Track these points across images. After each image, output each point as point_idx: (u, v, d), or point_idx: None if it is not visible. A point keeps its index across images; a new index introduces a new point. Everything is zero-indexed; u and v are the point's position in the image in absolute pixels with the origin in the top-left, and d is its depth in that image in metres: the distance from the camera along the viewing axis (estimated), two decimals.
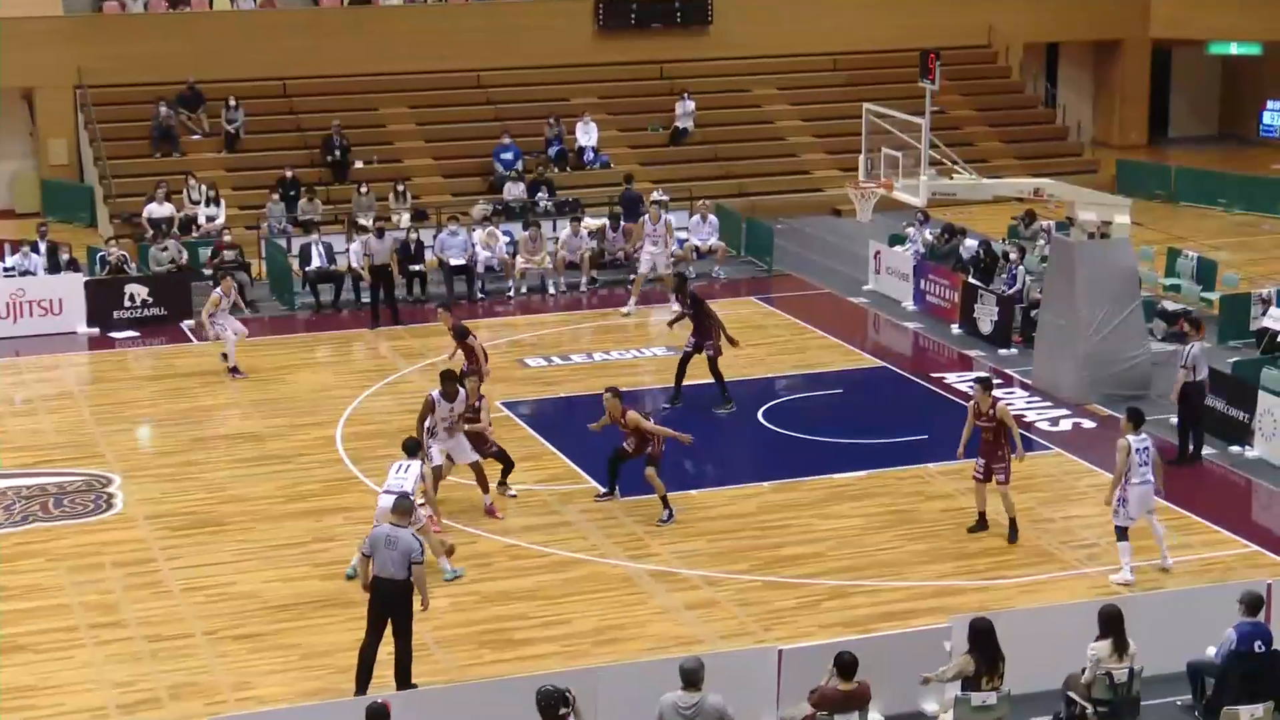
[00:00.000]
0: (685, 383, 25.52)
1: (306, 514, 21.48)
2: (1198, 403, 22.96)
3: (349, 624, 18.15)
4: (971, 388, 21.12)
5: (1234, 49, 45.73)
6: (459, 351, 24.21)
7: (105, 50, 37.92)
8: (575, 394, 26.27)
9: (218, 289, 27.59)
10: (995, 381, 22.14)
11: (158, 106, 37.70)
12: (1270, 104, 42.48)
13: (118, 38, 38.54)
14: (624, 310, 31.01)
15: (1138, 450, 18.98)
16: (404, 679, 16.61)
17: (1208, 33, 45.22)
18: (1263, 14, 43.75)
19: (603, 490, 21.97)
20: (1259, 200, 39.57)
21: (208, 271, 31.88)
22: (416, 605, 16.53)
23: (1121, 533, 19.18)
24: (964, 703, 14.97)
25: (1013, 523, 20.33)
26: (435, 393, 21.08)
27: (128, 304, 30.40)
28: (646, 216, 32.02)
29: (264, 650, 17.76)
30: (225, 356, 27.44)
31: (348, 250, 31.90)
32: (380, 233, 30.64)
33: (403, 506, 16.93)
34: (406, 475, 18.99)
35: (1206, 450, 23.45)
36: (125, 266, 31.34)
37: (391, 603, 16.48)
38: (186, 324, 30.28)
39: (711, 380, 25.30)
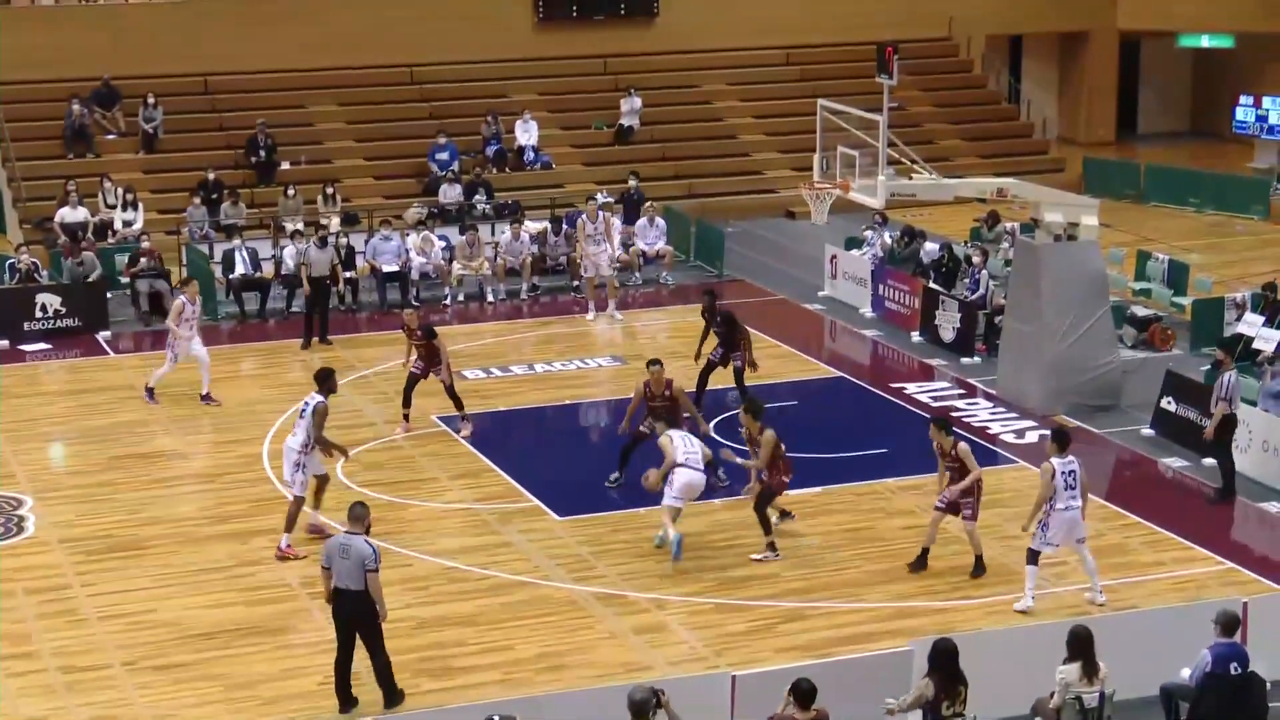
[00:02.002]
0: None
1: (231, 536, 21.39)
2: (1228, 436, 22.45)
3: (276, 653, 18.13)
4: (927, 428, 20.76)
5: (1205, 41, 46.09)
6: (415, 354, 24.26)
7: (14, 43, 37.58)
8: (516, 407, 26.26)
9: (182, 295, 26.55)
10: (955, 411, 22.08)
11: (70, 104, 37.51)
12: (1243, 99, 42.79)
13: (27, 30, 38.30)
14: (589, 317, 31.02)
15: (1063, 474, 18.80)
16: (389, 691, 16.81)
17: (1178, 24, 45.57)
18: (1235, 4, 44.10)
19: (614, 475, 22.78)
20: (1232, 200, 39.89)
21: (125, 280, 31.75)
22: None
23: (1032, 556, 19.02)
24: None
25: (979, 559, 20.12)
26: (322, 397, 20.91)
27: (39, 314, 30.21)
28: (584, 215, 32.00)
29: (187, 681, 17.66)
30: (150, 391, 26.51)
31: (274, 256, 31.81)
32: (323, 241, 30.20)
33: (356, 514, 16.96)
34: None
35: (1179, 463, 23.64)
36: (36, 275, 31.15)
37: (354, 614, 16.63)
38: (103, 335, 30.14)
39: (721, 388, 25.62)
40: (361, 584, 16.49)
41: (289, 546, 20.71)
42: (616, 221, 33.43)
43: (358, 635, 16.68)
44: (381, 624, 16.74)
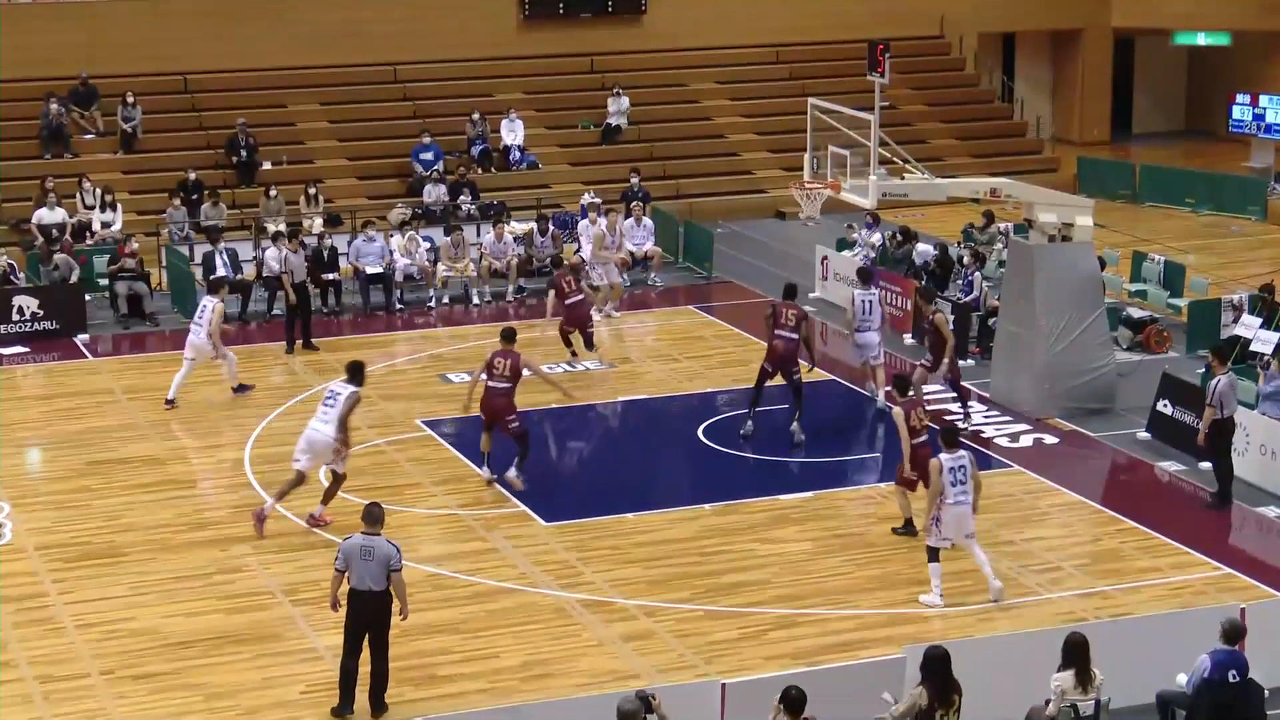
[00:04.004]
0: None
1: (210, 543, 21.33)
2: (1226, 441, 22.48)
3: (256, 661, 18.09)
4: (888, 405, 21.33)
5: (1201, 39, 46.13)
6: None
7: None
8: None
9: (216, 298, 26.80)
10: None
11: (47, 103, 37.43)
12: (1239, 98, 42.84)
13: (3, 28, 38.19)
14: (613, 313, 31.28)
15: (951, 469, 19.14)
16: (379, 701, 16.90)
17: (1173, 21, 45.61)
18: (1230, 2, 44.17)
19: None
20: (1228, 200, 39.95)
21: (104, 282, 31.69)
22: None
23: (933, 554, 19.36)
24: None
25: (908, 522, 21.18)
26: (353, 387, 21.43)
27: (16, 317, 30.11)
28: (605, 225, 32.12)
29: (165, 691, 17.61)
30: (240, 387, 26.90)
31: (256, 258, 31.75)
32: (304, 246, 30.31)
33: (374, 515, 16.99)
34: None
35: (1175, 466, 23.64)
36: (13, 277, 31.07)
37: (372, 616, 16.76)
38: (81, 338, 30.07)
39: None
40: (383, 584, 16.66)
41: (322, 514, 21.47)
42: (649, 222, 33.69)
43: (368, 638, 16.80)
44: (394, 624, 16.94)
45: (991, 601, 19.37)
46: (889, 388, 21.34)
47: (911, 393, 21.33)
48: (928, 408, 21.70)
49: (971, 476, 19.29)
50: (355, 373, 21.58)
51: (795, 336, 24.40)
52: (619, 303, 31.65)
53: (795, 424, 24.47)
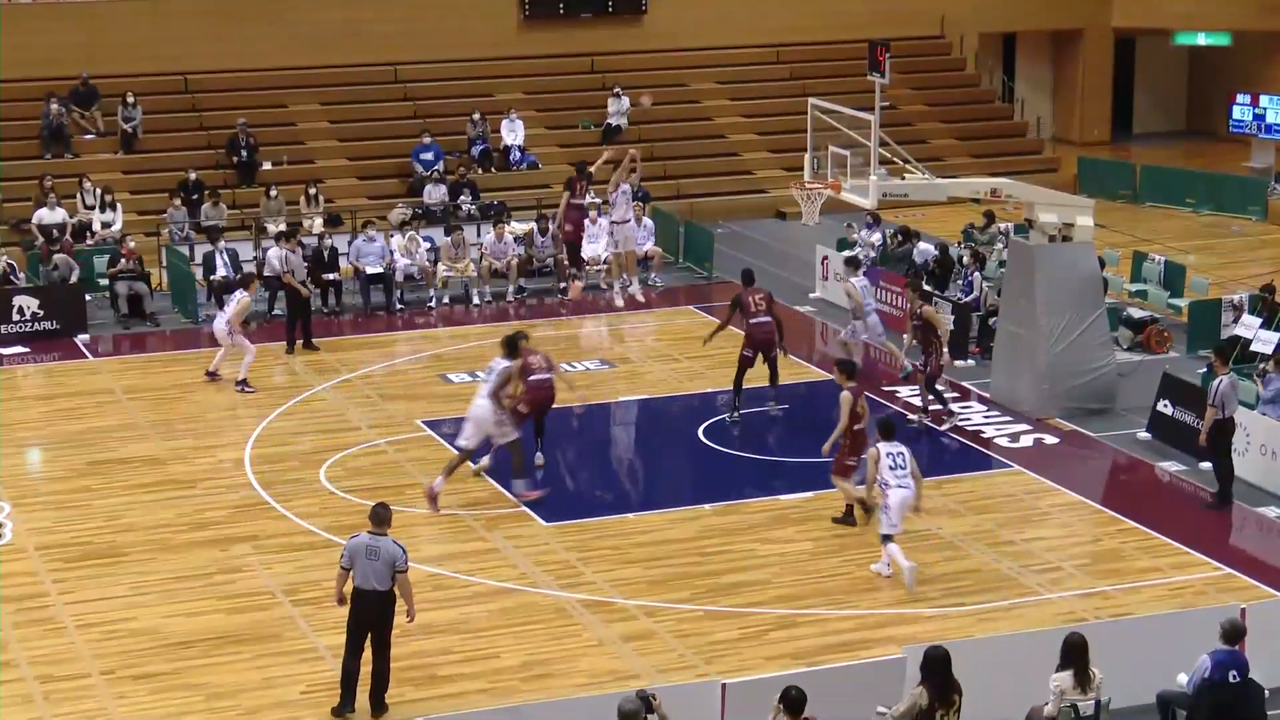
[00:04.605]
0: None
1: (211, 543, 21.34)
2: (1226, 441, 22.48)
3: (256, 662, 18.10)
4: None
5: (1201, 39, 46.11)
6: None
7: None
8: None
9: (244, 293, 27.65)
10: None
11: (48, 103, 37.43)
12: (1240, 97, 42.83)
13: (3, 28, 38.20)
14: (632, 291, 31.67)
15: (888, 455, 19.88)
16: (379, 701, 16.94)
17: (1173, 21, 45.59)
18: (1231, 2, 44.15)
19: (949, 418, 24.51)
20: (1228, 200, 39.94)
21: (104, 282, 31.69)
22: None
23: (886, 539, 19.99)
24: None
25: (849, 509, 21.55)
26: (508, 361, 22.40)
27: (16, 317, 30.11)
28: (586, 220, 32.19)
29: (166, 691, 17.61)
30: (243, 384, 27.10)
31: (257, 258, 31.75)
32: (302, 245, 30.26)
33: (381, 515, 17.02)
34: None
35: (1175, 466, 23.65)
36: (13, 277, 31.08)
37: (375, 616, 16.82)
38: (81, 338, 30.07)
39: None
40: (388, 584, 16.71)
41: (438, 488, 22.00)
42: (649, 222, 33.81)
43: (370, 637, 16.84)
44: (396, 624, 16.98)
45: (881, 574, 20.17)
46: (840, 368, 21.90)
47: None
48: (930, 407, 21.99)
49: (910, 463, 19.96)
50: (511, 347, 22.43)
51: (769, 319, 25.38)
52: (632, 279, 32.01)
53: (772, 401, 25.59)
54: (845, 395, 21.24)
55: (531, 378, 22.69)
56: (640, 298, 31.81)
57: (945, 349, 24.85)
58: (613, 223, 31.76)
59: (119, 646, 18.56)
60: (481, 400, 22.22)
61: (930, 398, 25.17)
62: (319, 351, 29.10)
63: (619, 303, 31.56)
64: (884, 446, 20.03)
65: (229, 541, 21.36)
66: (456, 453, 22.52)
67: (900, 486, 19.83)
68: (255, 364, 27.32)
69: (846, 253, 31.46)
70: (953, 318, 28.62)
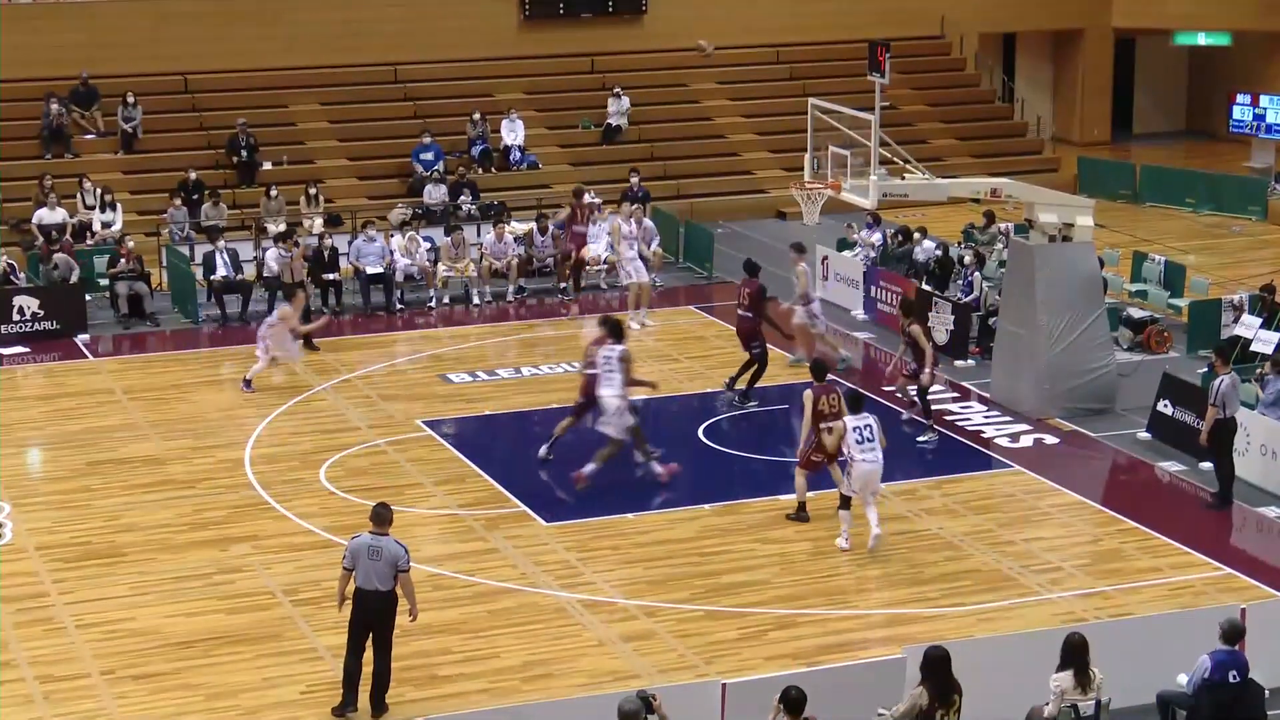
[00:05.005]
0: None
1: (210, 543, 21.33)
2: (1228, 441, 22.46)
3: (256, 662, 18.10)
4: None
5: (1202, 39, 46.10)
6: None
7: None
8: (501, 411, 26.22)
9: (288, 305, 27.68)
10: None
11: (48, 103, 37.43)
12: (1240, 97, 42.83)
13: (3, 28, 38.19)
14: (641, 322, 30.68)
15: (856, 428, 20.53)
16: (380, 701, 16.94)
17: (1174, 21, 45.58)
18: (1231, 2, 44.14)
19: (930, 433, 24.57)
20: (1229, 200, 39.93)
21: (104, 282, 31.69)
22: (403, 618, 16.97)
23: (844, 501, 20.85)
24: None
25: (802, 505, 21.88)
26: (623, 345, 23.04)
27: (16, 317, 30.10)
28: (619, 218, 32.24)
29: (166, 691, 17.61)
30: (247, 383, 27.05)
31: (256, 258, 31.75)
32: (298, 245, 30.29)
33: (382, 515, 17.03)
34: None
35: (1175, 466, 23.64)
36: (13, 277, 31.08)
37: (376, 616, 16.84)
38: (81, 338, 30.06)
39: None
40: (390, 584, 16.73)
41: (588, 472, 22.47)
42: (649, 223, 33.46)
43: (370, 637, 16.86)
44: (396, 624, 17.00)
45: (868, 550, 20.63)
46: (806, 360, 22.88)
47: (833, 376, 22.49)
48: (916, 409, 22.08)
49: (878, 436, 20.62)
50: (616, 331, 23.12)
51: (751, 314, 26.06)
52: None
53: (736, 390, 26.26)
54: (807, 393, 21.51)
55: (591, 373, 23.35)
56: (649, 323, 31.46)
57: (929, 369, 24.62)
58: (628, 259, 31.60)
59: (119, 646, 18.56)
60: (608, 391, 22.71)
61: (917, 402, 25.10)
62: (319, 351, 29.09)
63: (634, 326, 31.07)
64: (851, 420, 20.65)
65: (229, 541, 21.36)
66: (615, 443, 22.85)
67: (865, 460, 20.45)
68: (253, 365, 27.29)
69: (861, 263, 31.52)
70: (953, 318, 28.62)
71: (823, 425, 21.17)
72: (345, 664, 16.97)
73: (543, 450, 23.68)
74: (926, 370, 24.48)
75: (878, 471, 20.62)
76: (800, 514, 21.74)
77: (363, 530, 17.06)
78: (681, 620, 19.13)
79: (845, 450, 20.58)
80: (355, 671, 16.93)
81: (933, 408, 25.05)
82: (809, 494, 21.99)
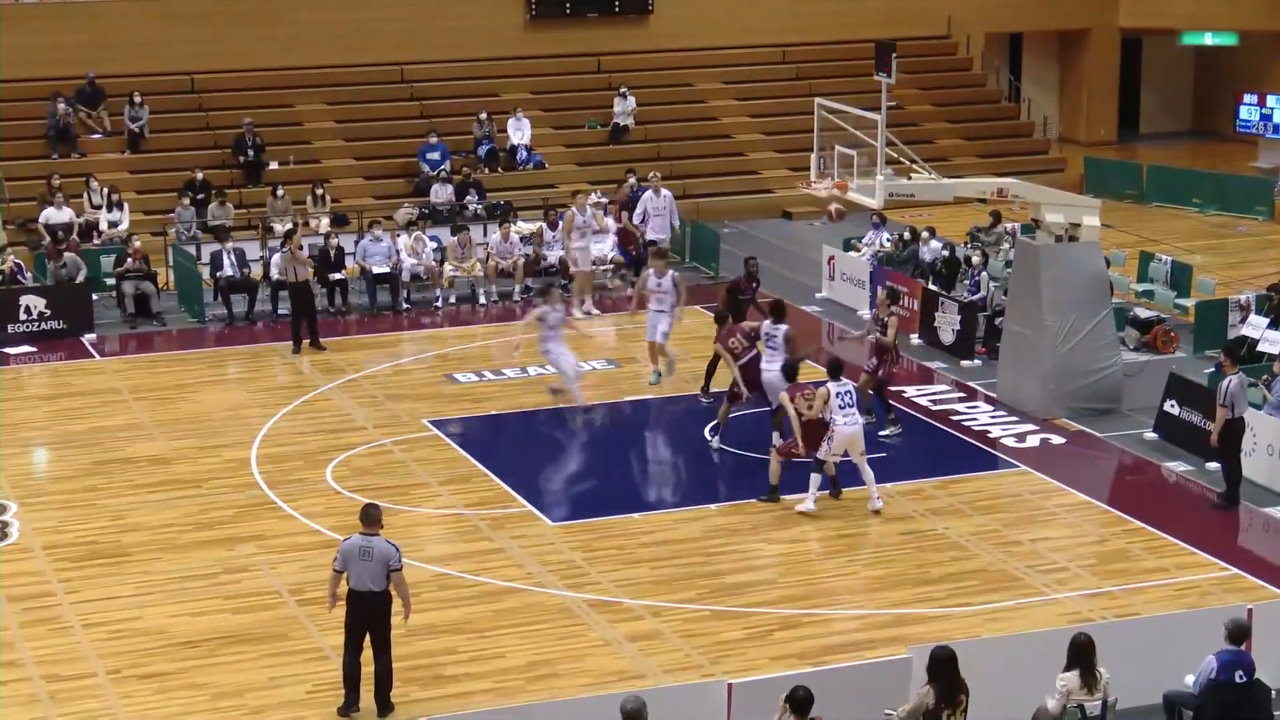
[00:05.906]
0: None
1: (216, 543, 21.33)
2: (1236, 442, 22.40)
3: (262, 661, 18.08)
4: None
5: (1208, 39, 46.10)
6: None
7: None
8: (507, 411, 26.21)
9: (544, 305, 26.00)
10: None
11: (54, 103, 37.45)
12: (1246, 97, 42.81)
13: (10, 28, 38.14)
14: (584, 310, 30.91)
15: (838, 394, 21.58)
16: (384, 700, 16.95)
17: (1180, 21, 45.57)
18: (1237, 2, 44.12)
19: (893, 425, 24.62)
20: (1235, 200, 39.89)
21: (111, 281, 31.70)
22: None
23: (817, 464, 21.69)
24: None
25: (774, 488, 22.24)
26: (784, 324, 24.10)
27: (23, 317, 30.12)
28: (574, 208, 32.17)
29: (171, 690, 17.61)
30: (556, 392, 26.10)
31: (262, 258, 31.75)
32: (301, 248, 30.32)
33: (373, 516, 17.04)
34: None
35: (1182, 467, 23.61)
36: (20, 276, 31.08)
37: (371, 617, 16.82)
38: (88, 338, 30.07)
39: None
40: (383, 584, 16.71)
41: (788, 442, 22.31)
42: (609, 221, 33.56)
43: (368, 637, 16.83)
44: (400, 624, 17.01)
45: (873, 511, 21.69)
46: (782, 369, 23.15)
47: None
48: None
49: (857, 400, 21.85)
50: (779, 312, 24.19)
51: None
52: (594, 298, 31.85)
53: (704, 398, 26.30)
54: (783, 395, 22.12)
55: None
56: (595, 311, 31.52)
57: (894, 362, 24.98)
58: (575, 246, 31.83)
59: (124, 646, 18.56)
60: (770, 367, 23.67)
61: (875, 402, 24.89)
62: (325, 351, 29.09)
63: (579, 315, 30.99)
64: (834, 386, 21.66)
65: (234, 541, 21.36)
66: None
67: (845, 424, 21.52)
68: (259, 365, 27.32)
69: (867, 263, 31.44)
70: (959, 318, 28.60)
71: (803, 395, 21.88)
72: (344, 665, 16.94)
73: (715, 441, 24.37)
74: (888, 365, 24.80)
75: (859, 434, 21.70)
76: (772, 495, 22.16)
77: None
78: (687, 620, 19.11)
79: (826, 415, 21.48)
80: (354, 672, 16.90)
81: (937, 406, 25.08)
82: (819, 492, 21.98)
